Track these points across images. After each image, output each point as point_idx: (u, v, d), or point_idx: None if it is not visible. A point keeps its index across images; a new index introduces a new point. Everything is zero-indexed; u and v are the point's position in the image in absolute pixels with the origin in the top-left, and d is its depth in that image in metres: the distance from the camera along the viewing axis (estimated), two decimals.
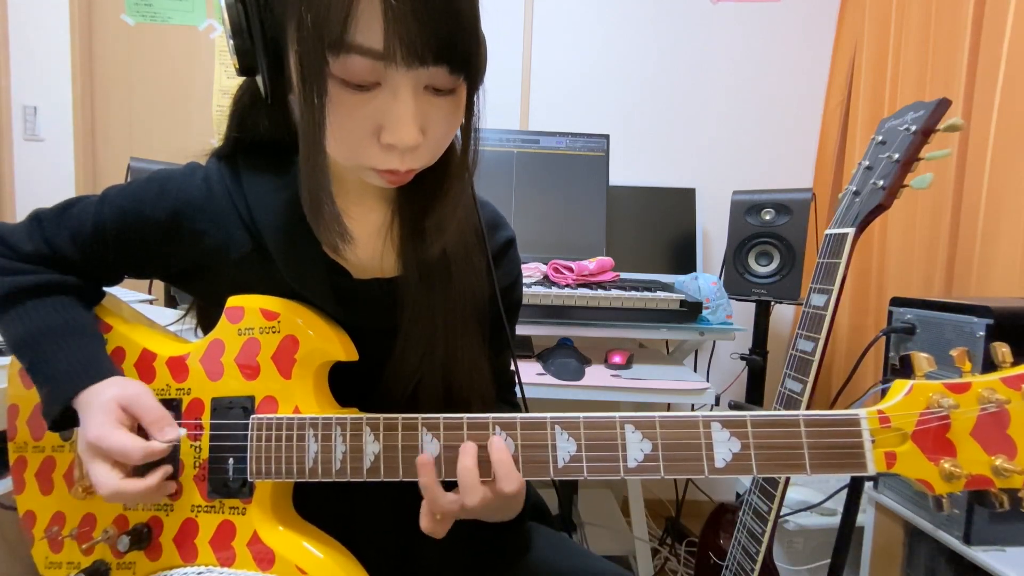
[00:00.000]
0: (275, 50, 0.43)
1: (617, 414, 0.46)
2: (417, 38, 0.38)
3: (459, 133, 0.50)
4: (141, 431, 0.49)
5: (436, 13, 0.38)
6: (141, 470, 0.49)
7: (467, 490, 0.46)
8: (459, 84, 0.44)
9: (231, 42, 0.43)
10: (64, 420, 0.50)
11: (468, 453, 0.47)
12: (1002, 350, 0.44)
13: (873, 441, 0.43)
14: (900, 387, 0.44)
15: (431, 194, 0.52)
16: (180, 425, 0.53)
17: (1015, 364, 0.43)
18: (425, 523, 0.48)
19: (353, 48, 0.38)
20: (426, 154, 0.46)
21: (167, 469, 0.50)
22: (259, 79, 0.45)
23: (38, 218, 0.55)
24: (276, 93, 0.45)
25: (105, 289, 0.61)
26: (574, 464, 0.46)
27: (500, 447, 0.46)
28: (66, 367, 0.51)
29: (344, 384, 0.55)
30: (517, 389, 0.68)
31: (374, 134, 0.43)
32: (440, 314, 0.55)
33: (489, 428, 0.47)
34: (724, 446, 0.44)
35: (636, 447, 0.45)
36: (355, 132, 0.43)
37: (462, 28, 0.40)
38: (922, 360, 0.45)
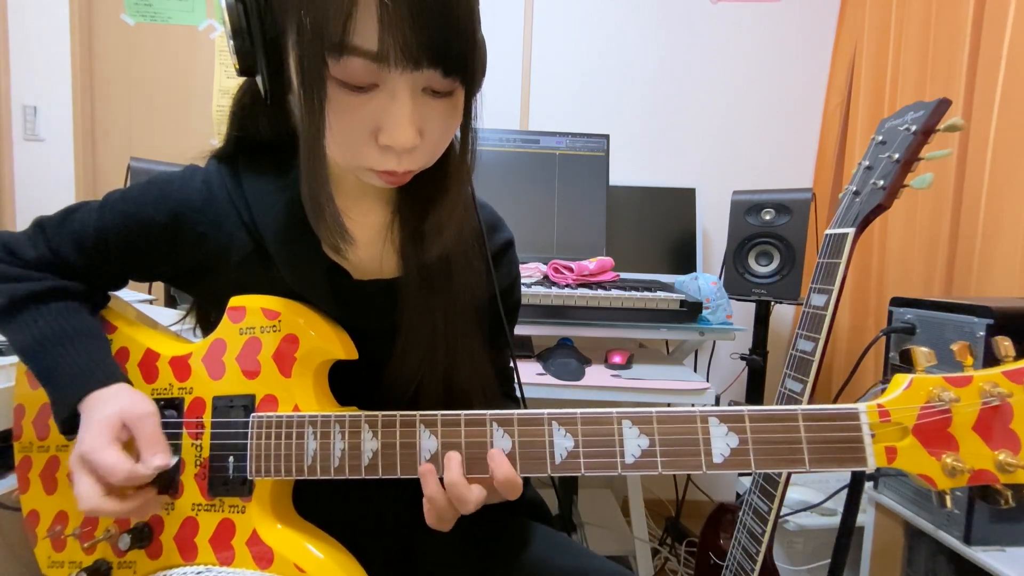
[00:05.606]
0: (275, 51, 0.43)
1: (614, 410, 0.45)
2: (411, 41, 0.39)
3: (458, 134, 0.50)
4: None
5: (431, 17, 0.39)
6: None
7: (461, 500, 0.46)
8: (456, 87, 0.44)
9: (231, 42, 0.44)
10: (74, 424, 0.50)
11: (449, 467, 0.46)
12: (1004, 344, 0.42)
13: (873, 436, 0.42)
14: (900, 381, 0.43)
15: (431, 194, 0.53)
16: (182, 424, 0.53)
17: (1018, 358, 0.42)
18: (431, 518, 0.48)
19: (351, 50, 0.39)
20: (423, 156, 0.47)
21: (149, 492, 0.50)
22: (259, 80, 0.46)
23: (41, 225, 0.56)
24: (276, 93, 0.45)
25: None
26: (571, 460, 0.45)
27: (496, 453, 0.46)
28: (71, 372, 0.51)
29: (344, 384, 0.55)
30: (516, 386, 0.68)
31: (372, 135, 0.43)
32: (441, 314, 0.55)
33: (487, 424, 0.47)
34: (722, 441, 0.43)
35: (633, 443, 0.45)
36: (353, 133, 0.43)
37: (457, 32, 0.41)
38: (922, 354, 0.44)
